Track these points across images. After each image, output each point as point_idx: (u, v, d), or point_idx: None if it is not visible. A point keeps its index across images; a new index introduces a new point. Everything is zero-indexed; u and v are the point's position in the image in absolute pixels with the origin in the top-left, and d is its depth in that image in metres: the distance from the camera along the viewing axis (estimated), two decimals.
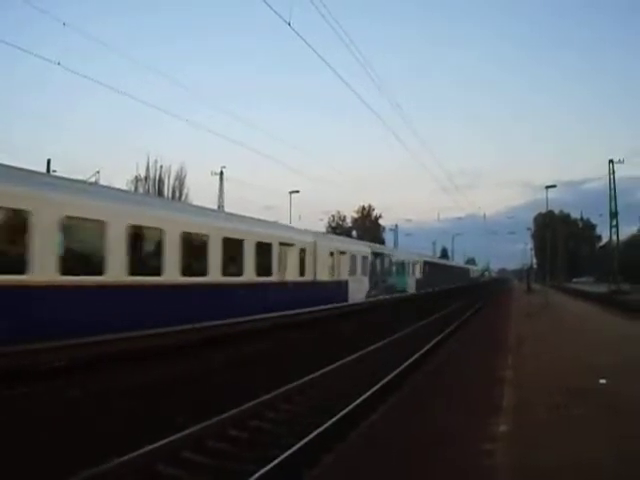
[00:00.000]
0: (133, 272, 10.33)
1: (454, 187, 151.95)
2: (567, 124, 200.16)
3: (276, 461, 5.92)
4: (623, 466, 5.12)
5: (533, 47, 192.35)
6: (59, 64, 14.70)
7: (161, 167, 46.80)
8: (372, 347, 14.79)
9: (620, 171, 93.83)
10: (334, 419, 7.59)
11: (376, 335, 16.27)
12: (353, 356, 13.24)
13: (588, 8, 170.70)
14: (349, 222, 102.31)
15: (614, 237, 49.08)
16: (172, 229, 11.60)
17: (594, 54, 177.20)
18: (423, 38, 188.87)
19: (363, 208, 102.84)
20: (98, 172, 42.28)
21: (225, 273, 13.39)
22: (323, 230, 68.51)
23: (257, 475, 5.52)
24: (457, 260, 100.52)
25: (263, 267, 15.36)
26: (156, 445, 6.49)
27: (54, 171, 38.74)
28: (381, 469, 5.29)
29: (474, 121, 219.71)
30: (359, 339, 15.14)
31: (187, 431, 7.04)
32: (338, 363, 12.23)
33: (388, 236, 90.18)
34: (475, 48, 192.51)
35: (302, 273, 18.30)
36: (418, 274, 40.29)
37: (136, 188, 43.65)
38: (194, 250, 12.52)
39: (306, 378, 10.53)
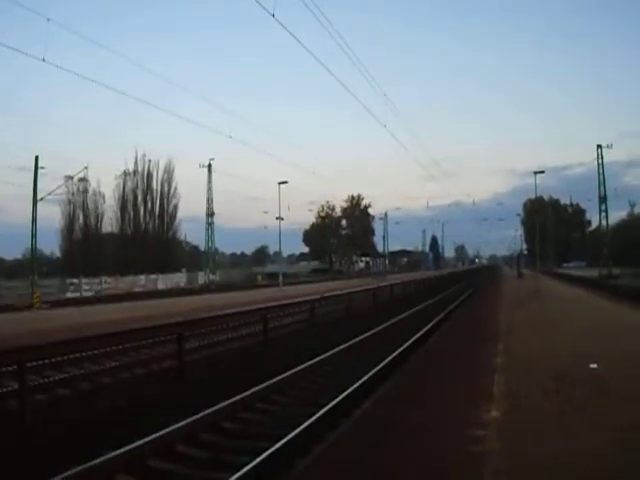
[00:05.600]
0: None
1: (442, 174, 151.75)
2: (552, 109, 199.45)
3: None
4: (614, 451, 5.14)
5: (520, 32, 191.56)
6: (44, 60, 14.45)
7: (149, 161, 46.42)
8: None
9: (607, 156, 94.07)
10: None
11: None
12: None
13: None
14: (338, 212, 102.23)
15: (604, 222, 49.46)
16: None
17: (583, 40, 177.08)
18: (409, 25, 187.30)
19: (352, 197, 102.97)
20: (86, 168, 41.67)
21: None
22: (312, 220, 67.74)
23: None
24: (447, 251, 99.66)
25: None
26: None
27: (42, 167, 38.16)
28: None
29: (458, 106, 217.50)
30: None
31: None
32: None
33: (378, 225, 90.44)
34: (459, 33, 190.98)
35: None
36: None
37: (125, 183, 43.26)
38: None
39: None
